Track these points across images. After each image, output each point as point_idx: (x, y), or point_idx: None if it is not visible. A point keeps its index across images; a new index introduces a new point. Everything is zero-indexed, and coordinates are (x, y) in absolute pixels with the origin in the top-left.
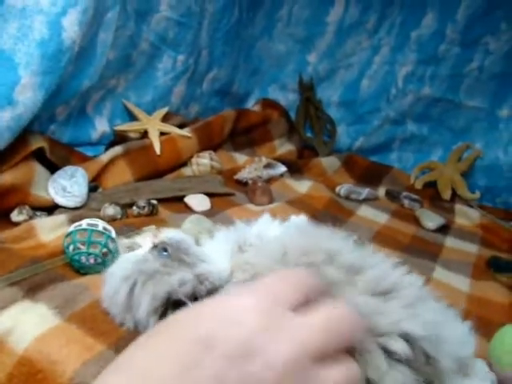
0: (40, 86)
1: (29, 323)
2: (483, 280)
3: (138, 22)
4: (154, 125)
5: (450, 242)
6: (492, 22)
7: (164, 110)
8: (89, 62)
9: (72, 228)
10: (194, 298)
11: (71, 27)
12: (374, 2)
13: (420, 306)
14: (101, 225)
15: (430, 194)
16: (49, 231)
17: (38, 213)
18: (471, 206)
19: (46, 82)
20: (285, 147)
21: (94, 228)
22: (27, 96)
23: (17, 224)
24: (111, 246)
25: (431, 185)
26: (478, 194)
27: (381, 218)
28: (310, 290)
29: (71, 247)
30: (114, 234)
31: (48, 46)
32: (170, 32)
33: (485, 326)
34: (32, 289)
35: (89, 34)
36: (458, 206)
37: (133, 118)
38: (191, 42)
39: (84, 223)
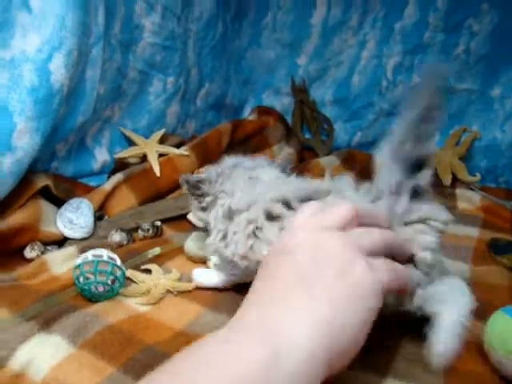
0: (36, 130)
1: (45, 354)
2: (484, 265)
3: (124, 52)
4: (151, 148)
5: (451, 227)
6: (473, 5)
7: (160, 132)
8: (80, 99)
9: (79, 261)
10: None
11: (58, 70)
12: None
13: None
14: (105, 254)
15: (431, 181)
16: (60, 264)
17: (49, 247)
18: (472, 189)
19: (41, 126)
20: (284, 152)
21: (99, 259)
22: (25, 141)
23: (30, 260)
24: (117, 273)
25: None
26: (478, 177)
27: None
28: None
29: (81, 278)
30: (118, 262)
31: (38, 91)
32: (157, 56)
33: (485, 310)
34: (47, 322)
35: (76, 73)
36: (460, 191)
37: (131, 143)
38: (179, 63)
39: (89, 255)
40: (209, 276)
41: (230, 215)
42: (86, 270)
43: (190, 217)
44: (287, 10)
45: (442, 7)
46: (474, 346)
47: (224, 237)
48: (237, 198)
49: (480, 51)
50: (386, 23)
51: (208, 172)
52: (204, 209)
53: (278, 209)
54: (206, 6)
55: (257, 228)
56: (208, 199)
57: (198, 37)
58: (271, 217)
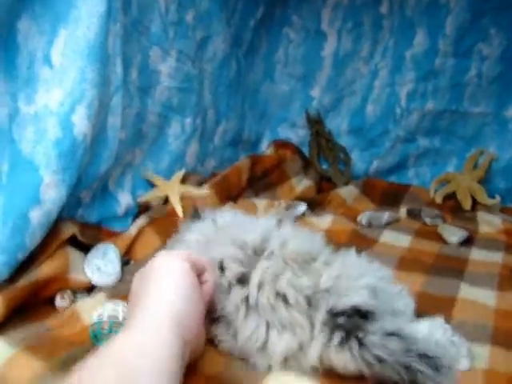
0: (62, 182)
1: None
2: (509, 290)
3: (143, 97)
4: (173, 189)
5: (475, 254)
6: (481, 29)
7: (181, 173)
8: (103, 147)
9: (95, 319)
10: None
11: (81, 122)
12: (364, 30)
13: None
14: (121, 315)
15: (451, 205)
16: (90, 312)
17: (79, 295)
18: (493, 213)
19: (67, 178)
20: (303, 184)
21: (114, 320)
22: (52, 193)
23: (60, 309)
24: None
25: (451, 197)
26: (497, 199)
27: (404, 240)
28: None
29: (97, 335)
30: None
31: (63, 144)
32: (174, 99)
33: None
34: None
35: (98, 123)
36: (480, 214)
37: (153, 185)
38: (196, 104)
39: (105, 315)
40: None
41: None
42: (100, 329)
43: None
44: (298, 44)
45: (451, 33)
46: (505, 377)
47: None
48: None
49: (492, 74)
50: (397, 52)
51: None
52: None
53: None
54: (219, 45)
55: None
56: None
57: (213, 76)
58: None
